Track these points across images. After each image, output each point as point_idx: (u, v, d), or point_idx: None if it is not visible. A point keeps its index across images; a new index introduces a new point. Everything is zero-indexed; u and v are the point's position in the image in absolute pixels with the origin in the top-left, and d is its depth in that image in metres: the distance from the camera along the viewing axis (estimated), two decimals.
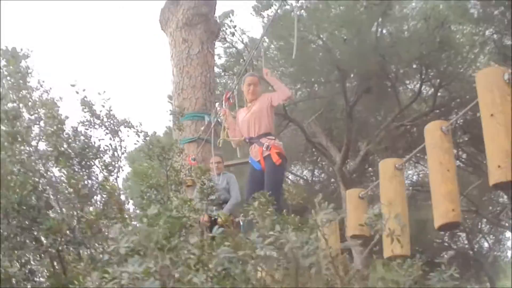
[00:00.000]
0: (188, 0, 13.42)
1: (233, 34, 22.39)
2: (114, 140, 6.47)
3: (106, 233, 5.49)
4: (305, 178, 29.72)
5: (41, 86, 6.54)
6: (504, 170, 3.86)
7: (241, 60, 23.22)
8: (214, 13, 14.20)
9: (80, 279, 3.93)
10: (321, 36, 21.77)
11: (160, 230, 3.41)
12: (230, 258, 3.34)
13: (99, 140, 6.44)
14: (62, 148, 6.18)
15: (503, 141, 3.90)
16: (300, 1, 10.13)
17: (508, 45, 21.79)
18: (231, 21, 22.43)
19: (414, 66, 23.25)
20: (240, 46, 23.62)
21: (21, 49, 6.15)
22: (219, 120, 12.03)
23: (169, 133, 22.61)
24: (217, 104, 10.47)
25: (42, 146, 6.27)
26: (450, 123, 4.87)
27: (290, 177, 29.77)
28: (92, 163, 6.38)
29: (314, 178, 29.48)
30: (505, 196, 28.64)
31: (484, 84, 4.18)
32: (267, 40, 23.27)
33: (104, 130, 6.46)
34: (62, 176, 6.19)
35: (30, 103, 6.15)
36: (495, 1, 19.82)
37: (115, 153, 6.43)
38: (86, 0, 69.38)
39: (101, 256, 5.25)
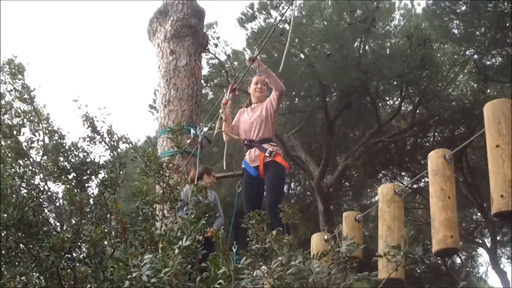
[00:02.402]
0: (177, 11, 13.38)
1: (216, 46, 22.36)
2: (113, 156, 6.41)
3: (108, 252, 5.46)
4: None
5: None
6: (507, 200, 3.89)
7: (223, 71, 23.22)
8: (203, 26, 14.16)
9: None
10: (304, 50, 21.83)
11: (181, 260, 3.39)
12: None
13: (100, 156, 6.40)
14: (61, 164, 6.14)
15: (507, 171, 3.93)
16: (291, 10, 9.84)
17: (488, 66, 22.05)
18: (214, 32, 22.40)
19: (395, 83, 23.39)
20: (223, 57, 23.58)
21: (28, 63, 6.07)
22: (205, 134, 12.01)
23: (149, 143, 22.50)
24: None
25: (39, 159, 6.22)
26: (453, 152, 4.87)
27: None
28: (91, 179, 6.34)
29: (290, 191, 29.47)
30: (479, 214, 28.90)
31: (491, 114, 4.20)
32: (249, 52, 23.33)
33: (104, 146, 6.40)
34: (59, 192, 6.16)
35: (32, 117, 6.07)
36: (476, 21, 20.01)
37: (114, 169, 6.37)
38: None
39: (102, 275, 5.22)
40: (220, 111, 9.15)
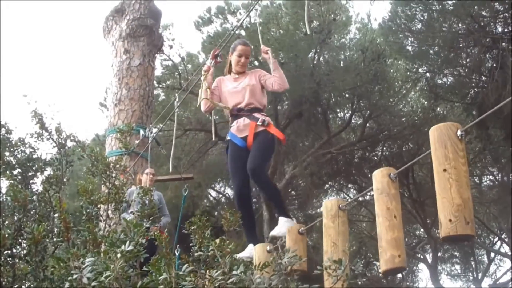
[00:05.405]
0: (133, 11, 13.33)
1: (171, 47, 22.22)
2: (60, 153, 6.34)
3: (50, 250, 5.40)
4: (227, 196, 29.63)
5: None
6: (455, 224, 3.92)
7: (176, 73, 23.14)
8: (159, 27, 14.12)
9: None
10: (258, 57, 21.83)
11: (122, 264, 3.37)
12: None
13: (46, 153, 6.33)
14: (7, 158, 6.07)
15: (454, 195, 3.97)
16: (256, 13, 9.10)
17: (439, 84, 22.35)
18: (170, 33, 22.28)
19: (347, 95, 23.56)
20: (177, 59, 23.46)
21: None
22: (154, 136, 11.95)
23: (97, 142, 22.29)
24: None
25: None
26: (399, 171, 4.91)
27: (212, 194, 29.84)
28: (36, 176, 6.27)
29: None
30: (422, 229, 29.21)
31: (437, 138, 4.24)
32: (203, 56, 23.31)
33: (51, 143, 6.33)
34: (3, 187, 6.09)
35: None
36: (431, 40, 20.26)
37: (60, 166, 6.30)
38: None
39: (42, 273, 5.16)
40: (202, 78, 8.12)
